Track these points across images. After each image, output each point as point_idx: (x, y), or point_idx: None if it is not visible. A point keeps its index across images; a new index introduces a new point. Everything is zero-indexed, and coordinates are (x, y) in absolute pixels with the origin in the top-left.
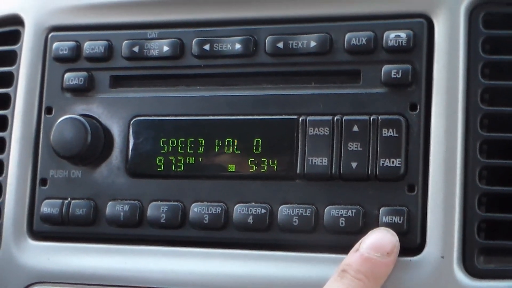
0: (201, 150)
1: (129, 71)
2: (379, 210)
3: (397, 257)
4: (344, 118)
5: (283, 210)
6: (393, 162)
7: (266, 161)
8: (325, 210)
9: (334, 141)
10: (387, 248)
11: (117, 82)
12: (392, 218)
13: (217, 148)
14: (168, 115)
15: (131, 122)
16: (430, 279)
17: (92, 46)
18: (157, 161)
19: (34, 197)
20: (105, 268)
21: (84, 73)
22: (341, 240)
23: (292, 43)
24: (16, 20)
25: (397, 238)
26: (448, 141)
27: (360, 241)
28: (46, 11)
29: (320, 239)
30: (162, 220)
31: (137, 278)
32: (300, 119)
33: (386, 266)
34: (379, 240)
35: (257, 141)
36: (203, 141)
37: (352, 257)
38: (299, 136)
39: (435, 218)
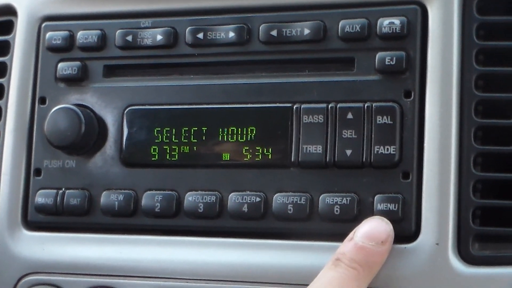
0: (196, 139)
1: (122, 60)
2: (373, 198)
3: (391, 246)
4: (338, 105)
5: (278, 198)
6: (387, 149)
7: (260, 150)
8: (320, 198)
9: (329, 129)
10: (381, 237)
11: (111, 71)
12: (386, 205)
13: (211, 136)
14: (162, 104)
15: (125, 111)
16: (425, 266)
17: (85, 35)
18: (152, 150)
19: (28, 187)
20: (100, 258)
21: (78, 63)
22: (336, 228)
23: (286, 31)
24: (9, 10)
25: (391, 226)
26: (442, 128)
27: (354, 230)
28: (39, 1)
29: (315, 227)
30: (156, 209)
31: (132, 268)
32: (294, 107)
33: (380, 255)
34: (374, 229)
35: (252, 130)
36: (197, 130)
37: (346, 246)
38: (294, 124)
39: (430, 205)
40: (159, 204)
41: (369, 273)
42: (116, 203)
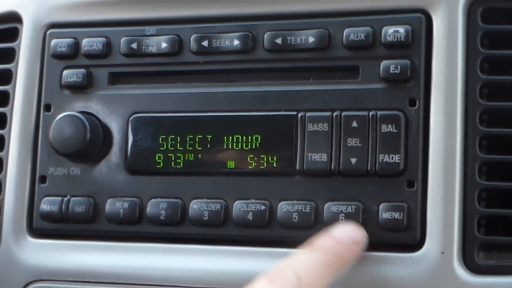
0: (200, 146)
1: (127, 67)
2: (378, 206)
3: (361, 252)
4: (343, 114)
5: (283, 207)
6: (392, 157)
7: (265, 158)
8: (325, 206)
9: (333, 137)
10: (356, 237)
11: (116, 79)
12: (391, 214)
13: (216, 144)
14: (167, 112)
15: (130, 119)
16: (430, 275)
17: (90, 43)
18: (156, 158)
19: (33, 195)
20: (105, 266)
21: (83, 70)
22: None
23: (291, 39)
24: (14, 17)
25: (365, 233)
26: (447, 136)
27: (329, 229)
28: (44, 8)
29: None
30: (161, 217)
31: (137, 275)
32: (299, 115)
33: (353, 254)
34: (350, 229)
35: (256, 138)
36: (202, 138)
37: (323, 239)
38: (298, 132)
39: (435, 214)
40: (164, 212)
41: (342, 267)
42: (121, 210)
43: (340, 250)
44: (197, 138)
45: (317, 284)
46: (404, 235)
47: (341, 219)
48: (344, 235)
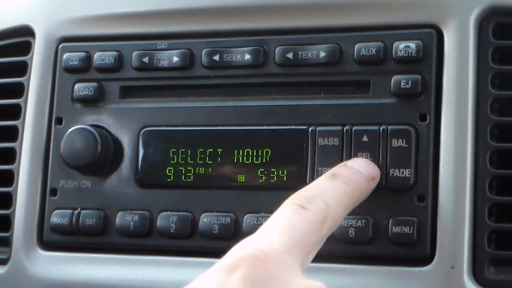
0: (211, 160)
1: (139, 81)
2: (388, 221)
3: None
4: (353, 128)
5: None
6: (402, 172)
7: (275, 172)
8: None
9: (344, 152)
10: (373, 172)
11: (127, 92)
12: (401, 228)
13: (226, 158)
14: (178, 126)
15: (141, 132)
16: None
17: (102, 56)
18: (167, 172)
19: (44, 208)
20: (115, 279)
21: (94, 84)
22: (350, 250)
23: (302, 54)
24: (27, 31)
25: (379, 170)
26: (458, 151)
27: (346, 161)
28: (56, 22)
29: (329, 249)
30: (171, 230)
31: None
32: (309, 130)
33: (368, 187)
34: (367, 163)
35: (267, 152)
36: (212, 152)
37: (343, 168)
38: (309, 146)
39: (445, 229)
40: (174, 225)
41: (357, 199)
42: (132, 223)
43: (360, 182)
44: (207, 151)
45: (341, 214)
46: (414, 250)
47: (351, 234)
48: (362, 168)
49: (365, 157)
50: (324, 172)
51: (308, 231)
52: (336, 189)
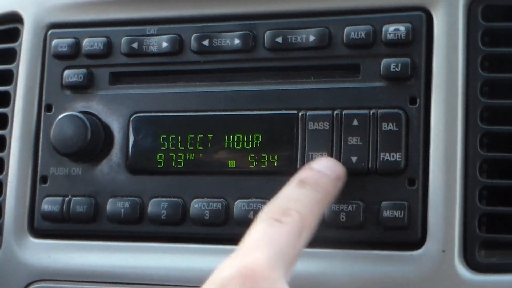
0: (201, 146)
1: (128, 67)
2: (379, 205)
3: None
4: (343, 112)
5: None
6: (393, 156)
7: (266, 157)
8: None
9: (334, 136)
10: (339, 172)
11: (117, 78)
12: (392, 212)
13: (217, 144)
14: (168, 111)
15: (131, 118)
16: (431, 273)
17: (91, 43)
18: (157, 158)
19: (34, 195)
20: (106, 265)
21: (84, 70)
22: (342, 235)
23: (291, 38)
24: (15, 18)
25: (345, 170)
26: (448, 134)
27: (310, 163)
28: (45, 8)
29: (321, 234)
30: (162, 217)
31: (138, 275)
32: (299, 114)
33: (336, 188)
34: (333, 163)
35: (257, 137)
36: (203, 137)
37: (309, 172)
38: (299, 131)
39: (436, 212)
40: (165, 211)
41: (328, 202)
42: (122, 210)
43: (328, 185)
44: (198, 137)
45: (315, 222)
46: (405, 234)
47: (342, 219)
48: (329, 169)
49: (354, 142)
50: (314, 158)
51: (287, 243)
52: (307, 197)
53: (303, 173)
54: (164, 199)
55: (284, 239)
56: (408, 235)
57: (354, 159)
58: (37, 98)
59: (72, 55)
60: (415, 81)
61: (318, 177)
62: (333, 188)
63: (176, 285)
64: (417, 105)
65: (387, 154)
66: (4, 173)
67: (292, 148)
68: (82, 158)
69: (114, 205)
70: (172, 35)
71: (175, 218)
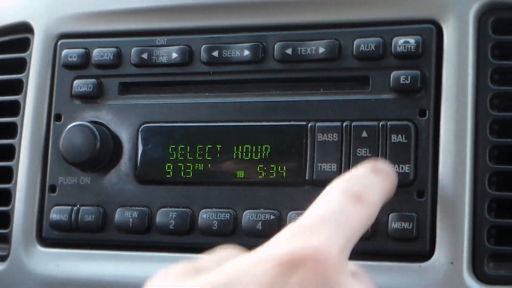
0: (210, 156)
1: (138, 78)
2: (388, 216)
3: None
4: (353, 124)
5: (292, 216)
6: (402, 168)
7: (275, 168)
8: None
9: (343, 147)
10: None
11: (126, 89)
12: (401, 224)
13: (225, 154)
14: (177, 122)
15: (140, 128)
16: (439, 285)
17: (101, 53)
18: (166, 168)
19: (43, 204)
20: (114, 275)
21: (93, 80)
22: None
23: (301, 50)
24: (25, 28)
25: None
26: (457, 147)
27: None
28: (55, 18)
29: None
30: (171, 227)
31: None
32: (309, 125)
33: (393, 191)
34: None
35: (266, 147)
36: (211, 148)
37: (382, 165)
38: (308, 142)
39: (445, 224)
40: (173, 221)
41: (390, 196)
42: (131, 220)
43: (394, 183)
44: (206, 148)
45: (376, 214)
46: (413, 245)
47: None
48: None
49: (364, 153)
50: (323, 169)
51: (358, 230)
52: (380, 188)
53: (377, 163)
54: (172, 209)
55: (358, 224)
56: (417, 246)
57: None
58: (47, 108)
59: (82, 65)
60: (425, 93)
61: (389, 171)
62: (394, 188)
63: None
64: (427, 117)
65: (396, 166)
66: (13, 182)
67: (301, 159)
68: (91, 168)
69: (122, 214)
70: (181, 46)
71: (183, 228)
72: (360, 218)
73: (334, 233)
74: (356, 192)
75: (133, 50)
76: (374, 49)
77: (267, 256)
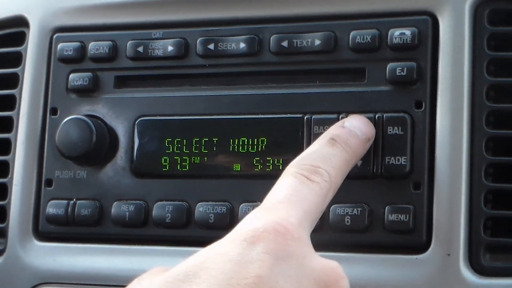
0: (206, 149)
1: (133, 71)
2: (384, 209)
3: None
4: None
5: None
6: (398, 160)
7: (271, 160)
8: (331, 208)
9: None
10: (369, 134)
11: (122, 82)
12: (397, 216)
13: (222, 147)
14: (173, 115)
15: (136, 122)
16: (436, 276)
17: (96, 46)
18: (162, 161)
19: (39, 198)
20: (111, 269)
21: (89, 74)
22: (347, 239)
23: (297, 42)
24: (21, 21)
25: (374, 129)
26: (453, 138)
27: (343, 119)
28: (50, 12)
29: (326, 237)
30: (167, 220)
31: None
32: (305, 118)
33: (364, 150)
34: (364, 124)
35: (262, 140)
36: (208, 141)
37: (340, 130)
38: (304, 134)
39: (441, 216)
40: (169, 215)
41: (354, 163)
42: (127, 213)
43: (357, 147)
44: (203, 141)
45: (339, 183)
46: (410, 237)
47: (347, 222)
48: (359, 130)
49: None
50: None
51: (315, 203)
52: (336, 157)
53: (335, 131)
54: (169, 202)
55: (313, 199)
56: (413, 238)
57: (359, 163)
58: (43, 102)
59: (77, 59)
60: (421, 85)
61: (348, 137)
62: (361, 150)
63: None
64: (423, 109)
65: (393, 158)
66: (9, 176)
67: (297, 152)
68: (87, 162)
69: (118, 208)
70: (177, 39)
71: (179, 222)
72: (315, 193)
73: (291, 209)
74: (307, 170)
75: (129, 43)
76: (370, 41)
77: (233, 237)
